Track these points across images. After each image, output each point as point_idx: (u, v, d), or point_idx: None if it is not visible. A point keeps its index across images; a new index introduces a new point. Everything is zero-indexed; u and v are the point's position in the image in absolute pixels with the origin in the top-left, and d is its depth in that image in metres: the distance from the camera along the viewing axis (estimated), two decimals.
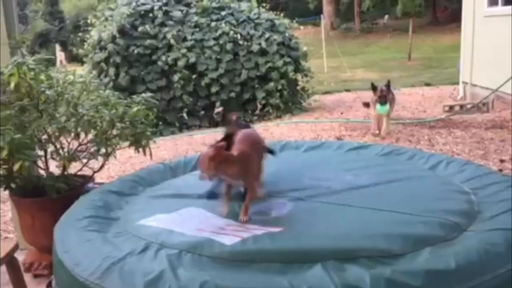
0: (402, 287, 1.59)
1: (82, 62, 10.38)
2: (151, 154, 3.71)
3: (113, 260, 1.87)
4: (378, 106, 6.65)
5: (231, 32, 9.46)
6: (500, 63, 8.40)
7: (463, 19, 10.07)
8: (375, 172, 2.77)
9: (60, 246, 2.12)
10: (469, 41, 9.67)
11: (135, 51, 9.36)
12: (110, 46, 9.20)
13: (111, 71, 9.32)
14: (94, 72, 9.30)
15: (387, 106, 6.68)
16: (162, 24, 9.60)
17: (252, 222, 2.18)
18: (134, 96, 3.71)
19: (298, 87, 10.21)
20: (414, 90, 12.03)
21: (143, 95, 3.63)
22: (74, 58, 18.11)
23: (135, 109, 3.49)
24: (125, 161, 6.50)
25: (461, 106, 8.95)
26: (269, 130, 7.87)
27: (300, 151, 3.44)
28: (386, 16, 28.16)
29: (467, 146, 6.05)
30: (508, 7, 8.31)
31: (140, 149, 3.64)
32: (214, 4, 10.00)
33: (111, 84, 9.11)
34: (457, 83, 10.81)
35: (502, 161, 5.31)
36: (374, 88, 6.75)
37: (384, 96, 6.58)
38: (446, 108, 8.86)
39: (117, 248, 1.99)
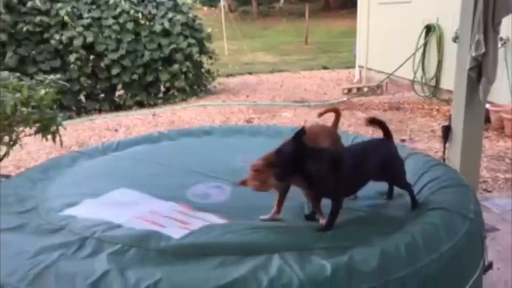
0: (360, 272, 1.60)
1: None
2: (61, 141, 3.43)
3: (46, 262, 1.66)
4: None
5: (132, 11, 8.98)
6: (392, 48, 8.97)
7: (359, 6, 10.56)
8: None
9: None
10: (364, 27, 10.18)
11: (24, 29, 8.54)
12: None
13: None
14: None
15: None
16: (54, 0, 8.86)
17: (194, 208, 2.09)
18: (40, 78, 3.37)
19: (203, 70, 10.04)
20: (313, 73, 12.47)
21: (51, 76, 3.31)
22: None
23: (42, 92, 3.17)
24: (20, 149, 5.93)
25: (358, 89, 9.44)
26: (177, 114, 7.66)
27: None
28: (282, 0, 28.72)
29: (369, 128, 6.36)
30: None
31: (49, 136, 3.33)
32: None
33: None
34: (352, 67, 11.37)
35: (403, 140, 5.67)
36: None
37: None
38: (345, 91, 9.30)
39: (47, 247, 1.76)
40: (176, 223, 1.93)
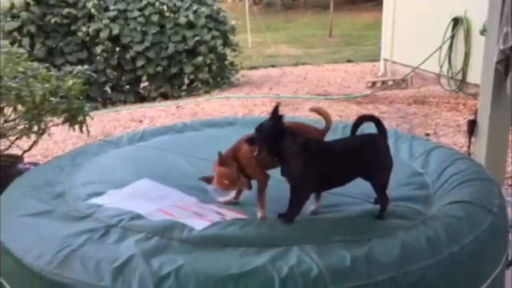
0: (380, 262, 1.60)
1: None
2: (88, 131, 3.51)
3: (73, 246, 1.71)
4: None
5: (157, 3, 9.07)
6: (418, 41, 8.82)
7: None
8: None
9: (6, 234, 1.91)
10: (390, 19, 10.04)
11: (52, 20, 8.71)
12: (24, 14, 8.49)
13: (26, 41, 8.62)
14: (6, 42, 8.54)
15: None
16: None
17: (216, 204, 2.12)
18: (68, 69, 3.45)
19: (227, 62, 10.08)
20: (337, 66, 12.36)
21: (79, 67, 3.39)
22: None
23: (70, 82, 3.25)
24: (47, 138, 6.08)
25: (383, 82, 9.33)
26: (201, 106, 7.72)
27: None
28: None
29: (393, 121, 6.31)
30: None
31: (76, 126, 3.41)
32: None
33: (25, 55, 8.42)
34: (377, 60, 11.23)
35: (427, 134, 5.60)
36: None
37: None
38: (369, 84, 9.20)
39: (74, 232, 1.82)
40: (196, 215, 1.96)
